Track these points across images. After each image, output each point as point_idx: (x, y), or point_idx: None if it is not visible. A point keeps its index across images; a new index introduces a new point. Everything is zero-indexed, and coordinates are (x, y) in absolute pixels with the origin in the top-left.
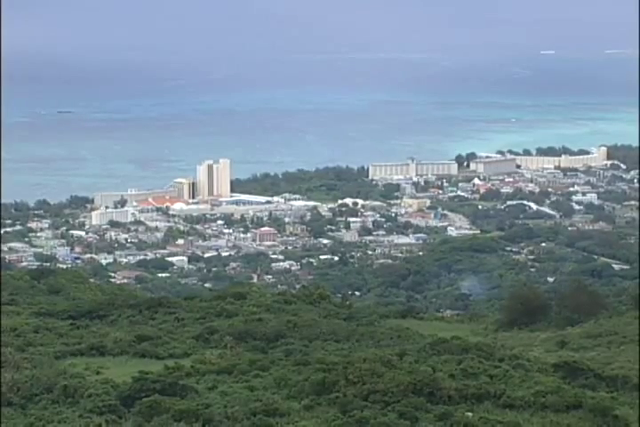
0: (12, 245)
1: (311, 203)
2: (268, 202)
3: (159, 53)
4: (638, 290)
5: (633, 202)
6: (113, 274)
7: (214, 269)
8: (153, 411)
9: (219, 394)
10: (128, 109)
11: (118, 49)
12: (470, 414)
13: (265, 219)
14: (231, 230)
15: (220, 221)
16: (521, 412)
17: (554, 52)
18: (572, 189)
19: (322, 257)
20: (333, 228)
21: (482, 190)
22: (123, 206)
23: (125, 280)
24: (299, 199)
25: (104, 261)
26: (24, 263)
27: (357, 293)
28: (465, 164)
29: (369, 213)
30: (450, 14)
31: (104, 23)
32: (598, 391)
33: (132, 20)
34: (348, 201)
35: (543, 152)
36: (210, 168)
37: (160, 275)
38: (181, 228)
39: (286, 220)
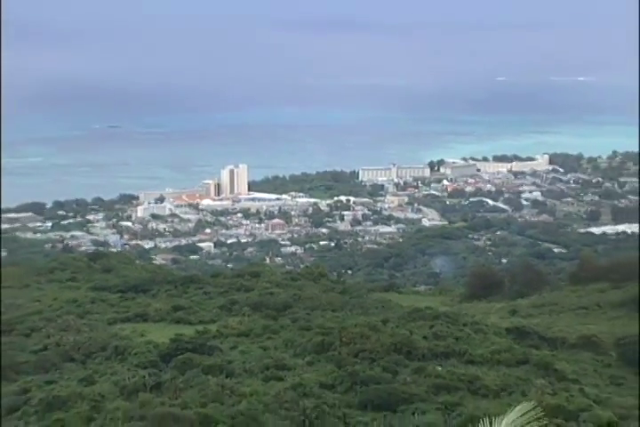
0: (74, 233)
1: (312, 200)
2: (278, 199)
3: (191, 78)
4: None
5: (570, 199)
6: (154, 256)
7: (235, 252)
8: (186, 366)
9: (239, 353)
10: (165, 124)
11: (158, 74)
12: (440, 368)
13: (275, 212)
14: (248, 222)
15: (239, 214)
16: (480, 366)
17: (505, 79)
18: (521, 188)
19: (321, 243)
20: (330, 219)
21: (449, 189)
22: (162, 202)
23: (164, 261)
24: (302, 197)
25: (147, 246)
26: (83, 248)
27: (349, 271)
28: (436, 168)
29: (359, 207)
30: (425, 48)
31: (146, 53)
32: (542, 350)
33: (168, 51)
34: (342, 198)
35: (498, 159)
36: (231, 172)
37: (191, 257)
38: (208, 219)
39: (292, 213)
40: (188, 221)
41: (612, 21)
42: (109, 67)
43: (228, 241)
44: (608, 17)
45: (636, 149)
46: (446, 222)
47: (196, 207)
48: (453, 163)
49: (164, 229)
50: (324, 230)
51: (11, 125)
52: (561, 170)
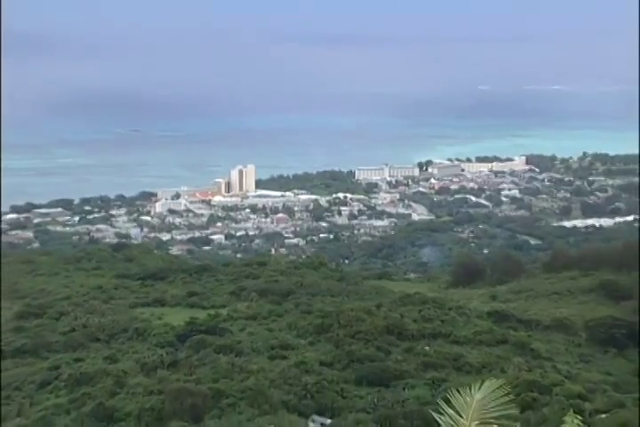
0: (98, 226)
1: (313, 196)
2: (282, 196)
3: (204, 87)
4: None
5: (544, 195)
6: (170, 247)
7: (243, 244)
8: (200, 346)
9: (247, 334)
10: (181, 129)
11: (174, 84)
12: (427, 347)
13: (280, 208)
14: (255, 216)
15: (247, 210)
16: (464, 346)
17: (488, 88)
18: (500, 186)
19: (321, 235)
20: (329, 214)
21: (436, 187)
22: (177, 199)
23: (179, 252)
24: (304, 194)
25: (164, 238)
26: (107, 240)
27: (347, 261)
28: (424, 168)
29: (355, 203)
30: (416, 60)
31: (163, 66)
32: (519, 331)
33: (183, 63)
34: (340, 195)
35: (480, 160)
36: (240, 171)
37: (204, 248)
38: (220, 214)
39: (295, 209)
40: (201, 215)
41: (580, 37)
42: (132, 78)
43: (238, 234)
44: (576, 34)
45: (604, 151)
46: (433, 217)
47: (208, 203)
48: (440, 163)
49: (180, 222)
50: (323, 224)
51: (44, 130)
52: (536, 170)
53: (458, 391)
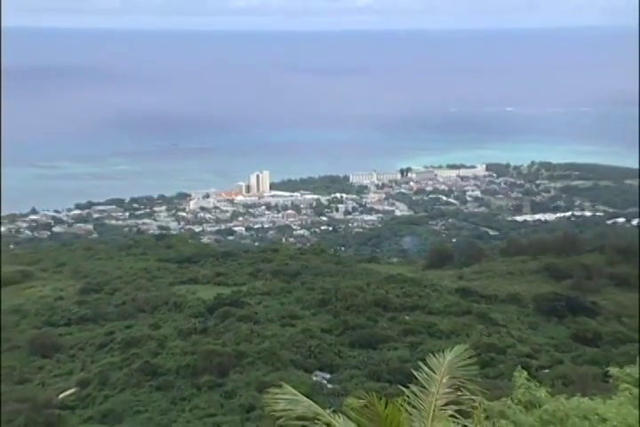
0: (144, 220)
1: (316, 196)
2: (291, 196)
3: (228, 108)
4: None
5: (501, 195)
6: (202, 237)
7: (260, 234)
8: (225, 316)
9: (263, 306)
10: (211, 142)
11: (205, 106)
12: (408, 317)
13: (289, 205)
14: (270, 212)
15: (263, 207)
16: (436, 316)
17: (456, 109)
18: (466, 188)
19: (322, 228)
20: (329, 211)
21: (415, 189)
22: (207, 198)
23: (209, 241)
24: (309, 194)
25: (197, 230)
26: (151, 231)
27: (343, 248)
28: (405, 173)
29: (349, 202)
30: (398, 87)
31: (196, 91)
32: (480, 304)
33: (213, 89)
34: (338, 195)
35: (450, 167)
36: (257, 176)
37: (229, 238)
38: (241, 211)
39: (302, 206)
40: (227, 211)
41: (529, 69)
42: (171, 102)
43: (255, 226)
44: (526, 66)
45: (548, 160)
46: (412, 213)
47: (232, 202)
48: (417, 169)
49: (209, 217)
50: (324, 219)
51: (101, 143)
52: (494, 175)
53: (433, 354)
